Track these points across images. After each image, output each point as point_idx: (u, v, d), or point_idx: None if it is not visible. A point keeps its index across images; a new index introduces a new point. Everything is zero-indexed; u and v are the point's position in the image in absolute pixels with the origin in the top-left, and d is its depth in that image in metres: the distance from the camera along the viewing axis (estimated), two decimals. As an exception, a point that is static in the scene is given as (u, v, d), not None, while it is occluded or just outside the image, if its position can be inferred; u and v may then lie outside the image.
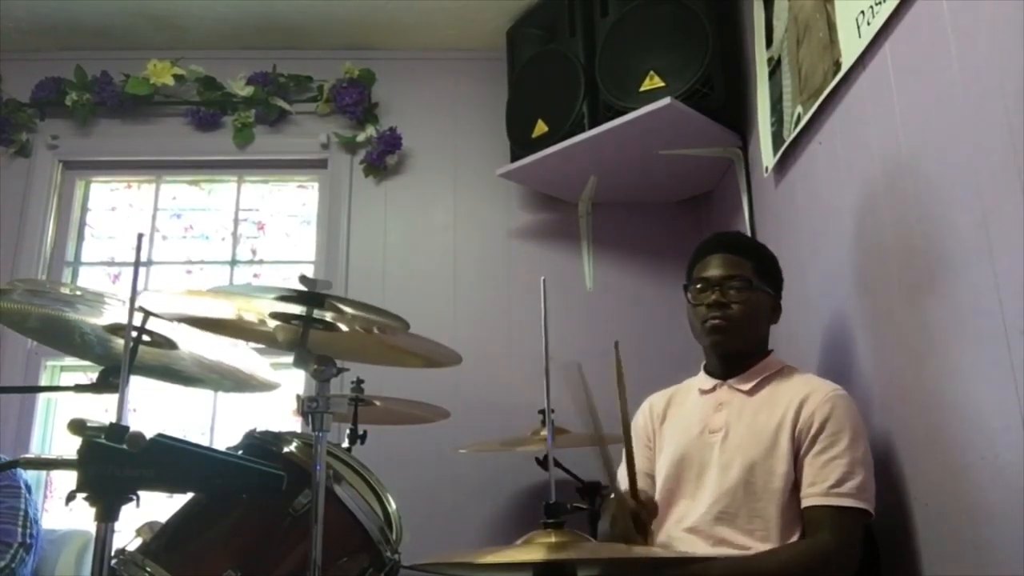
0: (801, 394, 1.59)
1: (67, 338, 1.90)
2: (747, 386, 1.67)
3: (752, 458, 1.56)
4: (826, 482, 1.49)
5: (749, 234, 2.48)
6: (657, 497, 1.67)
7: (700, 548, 1.55)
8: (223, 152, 3.13)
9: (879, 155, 1.68)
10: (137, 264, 1.41)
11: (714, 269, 1.70)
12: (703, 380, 1.75)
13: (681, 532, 1.60)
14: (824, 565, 1.45)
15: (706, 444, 1.64)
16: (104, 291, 1.80)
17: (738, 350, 1.69)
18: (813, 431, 1.54)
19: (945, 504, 1.44)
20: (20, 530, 2.11)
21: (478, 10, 3.01)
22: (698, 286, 1.70)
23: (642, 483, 1.72)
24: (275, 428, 1.74)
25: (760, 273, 1.71)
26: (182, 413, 2.89)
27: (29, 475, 2.31)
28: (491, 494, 2.76)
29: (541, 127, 2.78)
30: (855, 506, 1.47)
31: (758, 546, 1.51)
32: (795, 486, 1.53)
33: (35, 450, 2.76)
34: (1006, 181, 1.25)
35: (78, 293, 1.93)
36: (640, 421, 1.82)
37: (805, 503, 1.51)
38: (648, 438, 1.79)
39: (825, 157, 1.96)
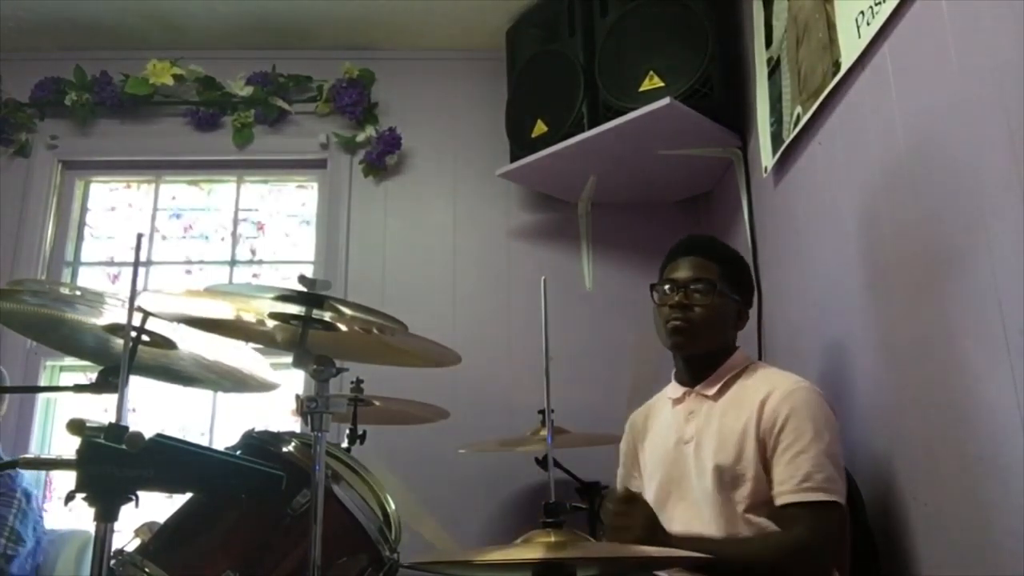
0: (762, 393, 1.58)
1: (67, 338, 1.90)
2: (712, 390, 1.67)
3: (721, 464, 1.56)
4: (794, 478, 1.48)
5: (748, 234, 2.48)
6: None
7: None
8: (223, 152, 3.13)
9: (879, 155, 1.68)
10: (137, 264, 1.41)
11: (680, 271, 1.71)
12: (673, 389, 1.75)
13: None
14: (798, 557, 1.44)
15: (681, 455, 1.65)
16: (104, 291, 1.80)
17: (699, 353, 1.69)
18: (776, 430, 1.53)
19: (945, 504, 1.44)
20: (3, 540, 2.10)
21: (478, 10, 3.01)
22: (665, 287, 1.71)
23: None
24: (274, 428, 1.74)
25: (727, 278, 1.70)
26: (182, 413, 2.89)
27: (28, 475, 2.30)
28: (491, 494, 2.76)
29: (541, 127, 2.78)
30: (826, 499, 1.46)
31: None
32: (766, 488, 1.52)
33: (34, 450, 2.76)
34: (1006, 181, 1.25)
35: (78, 293, 1.93)
36: (623, 446, 1.84)
37: (778, 502, 1.50)
38: (632, 460, 1.80)
39: (825, 157, 1.96)
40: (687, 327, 1.66)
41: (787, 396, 1.56)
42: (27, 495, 2.21)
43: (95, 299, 1.75)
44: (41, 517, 2.29)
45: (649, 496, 1.68)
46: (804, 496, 1.46)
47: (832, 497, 1.46)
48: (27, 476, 2.27)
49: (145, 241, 3.11)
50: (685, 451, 1.64)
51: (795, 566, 1.44)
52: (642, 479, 1.76)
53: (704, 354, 1.69)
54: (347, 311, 1.55)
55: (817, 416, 1.53)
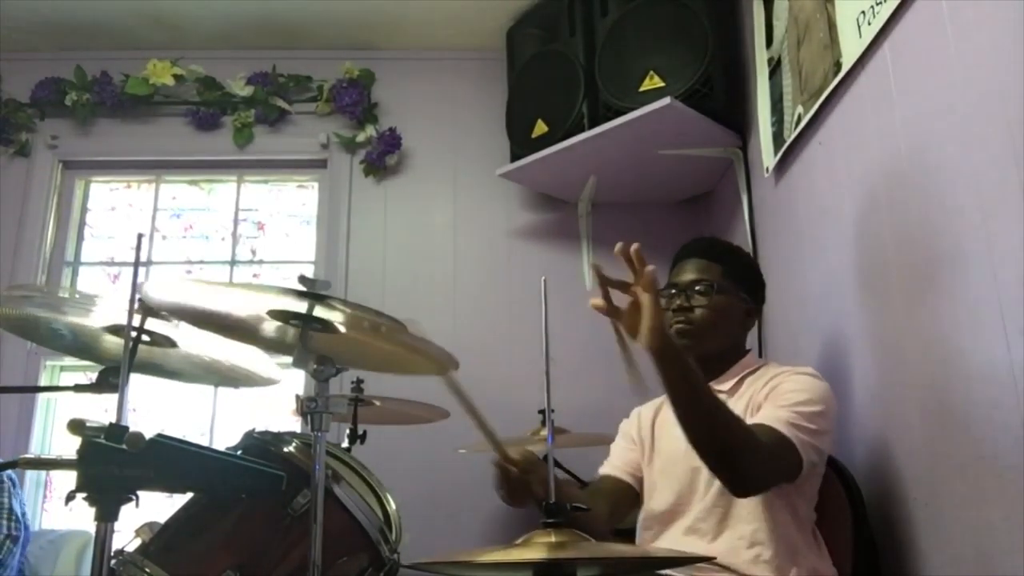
0: (769, 380, 1.61)
1: (66, 340, 1.89)
2: (727, 385, 1.69)
3: None
4: (767, 416, 1.48)
5: (749, 234, 2.48)
6: (655, 506, 1.69)
7: (700, 547, 1.55)
8: (223, 152, 3.13)
9: (879, 155, 1.68)
10: (137, 264, 1.41)
11: (683, 274, 1.73)
12: None
13: (681, 535, 1.61)
14: (755, 449, 1.40)
15: (691, 449, 1.65)
16: (99, 293, 1.80)
17: (706, 353, 1.69)
18: (770, 390, 1.56)
19: (945, 504, 1.44)
20: (5, 523, 2.14)
21: (478, 10, 3.01)
22: (671, 291, 1.72)
23: (618, 458, 1.81)
24: (274, 428, 1.74)
25: (730, 277, 1.72)
26: (182, 413, 2.89)
27: (28, 474, 2.30)
28: (491, 494, 2.73)
29: (541, 127, 2.78)
30: (786, 437, 1.44)
31: (755, 536, 1.52)
32: None
33: (35, 450, 2.76)
34: (1006, 181, 1.25)
35: (76, 297, 1.93)
36: (625, 426, 1.86)
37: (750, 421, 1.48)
38: (632, 440, 1.81)
39: (825, 157, 1.96)
40: (690, 328, 1.68)
41: (791, 376, 1.59)
42: (13, 481, 2.23)
43: (92, 301, 1.75)
44: (23, 503, 2.31)
45: (655, 485, 1.71)
46: (770, 423, 1.46)
47: (791, 439, 1.44)
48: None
49: (145, 241, 3.12)
50: None
51: (738, 452, 1.39)
52: (640, 454, 1.78)
53: (713, 354, 1.70)
54: (347, 311, 1.55)
55: (811, 389, 1.54)
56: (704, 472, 1.61)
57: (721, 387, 1.68)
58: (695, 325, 1.68)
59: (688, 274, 1.72)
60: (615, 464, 1.81)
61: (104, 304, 1.69)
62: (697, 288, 1.69)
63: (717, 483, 1.57)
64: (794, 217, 2.18)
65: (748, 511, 1.54)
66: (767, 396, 1.57)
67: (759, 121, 2.35)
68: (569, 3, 2.81)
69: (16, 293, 1.83)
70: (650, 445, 1.77)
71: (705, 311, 1.68)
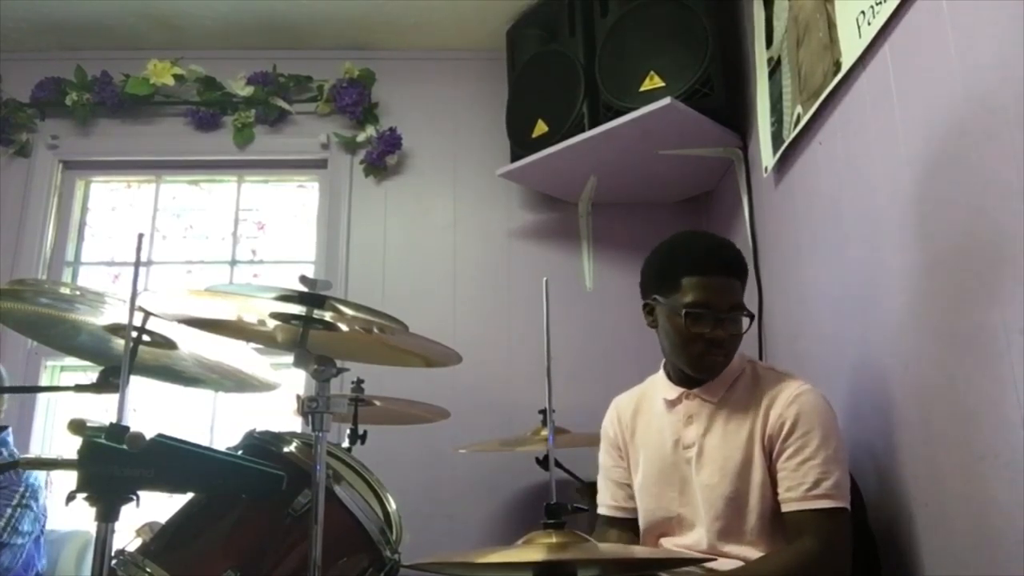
0: (767, 398, 1.57)
1: (68, 338, 1.89)
2: (714, 396, 1.63)
3: (729, 472, 1.54)
4: (803, 486, 1.47)
5: (749, 234, 2.48)
6: (641, 518, 1.67)
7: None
8: (223, 152, 3.14)
9: (879, 155, 1.68)
10: (137, 264, 1.41)
11: (719, 295, 1.58)
12: (667, 388, 1.69)
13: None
14: (807, 567, 1.43)
15: (682, 460, 1.62)
16: (104, 291, 1.80)
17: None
18: (783, 434, 1.52)
19: (945, 504, 1.44)
20: None
21: (478, 10, 3.02)
22: (698, 311, 1.56)
23: (617, 493, 1.74)
24: (275, 428, 1.74)
25: (742, 292, 1.66)
26: (182, 413, 2.89)
27: (39, 474, 2.26)
28: (491, 494, 2.76)
29: (541, 127, 2.78)
30: (835, 506, 1.45)
31: (751, 556, 1.51)
32: (775, 493, 1.52)
33: (35, 450, 2.76)
34: (1006, 181, 1.25)
35: (78, 293, 1.93)
36: (610, 431, 1.79)
37: (785, 508, 1.49)
38: (619, 449, 1.76)
39: (825, 157, 1.96)
40: (724, 361, 1.62)
41: (792, 401, 1.54)
42: (34, 492, 2.17)
43: (95, 299, 1.75)
44: (45, 517, 2.26)
45: (642, 496, 1.67)
46: (811, 504, 1.46)
47: (839, 503, 1.46)
48: (37, 474, 2.24)
49: (145, 241, 3.11)
50: (686, 455, 1.62)
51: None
52: (629, 470, 1.73)
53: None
54: (347, 311, 1.55)
55: (823, 421, 1.52)
56: (696, 475, 1.59)
57: (710, 397, 1.63)
58: (728, 356, 1.62)
59: (725, 295, 1.59)
60: (610, 504, 1.75)
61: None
62: (735, 316, 1.60)
63: (712, 492, 1.55)
64: (794, 217, 2.18)
65: (749, 530, 1.53)
66: (781, 443, 1.51)
67: (759, 121, 2.35)
68: (569, 3, 2.81)
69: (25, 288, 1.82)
70: (634, 449, 1.73)
71: (737, 338, 1.62)
